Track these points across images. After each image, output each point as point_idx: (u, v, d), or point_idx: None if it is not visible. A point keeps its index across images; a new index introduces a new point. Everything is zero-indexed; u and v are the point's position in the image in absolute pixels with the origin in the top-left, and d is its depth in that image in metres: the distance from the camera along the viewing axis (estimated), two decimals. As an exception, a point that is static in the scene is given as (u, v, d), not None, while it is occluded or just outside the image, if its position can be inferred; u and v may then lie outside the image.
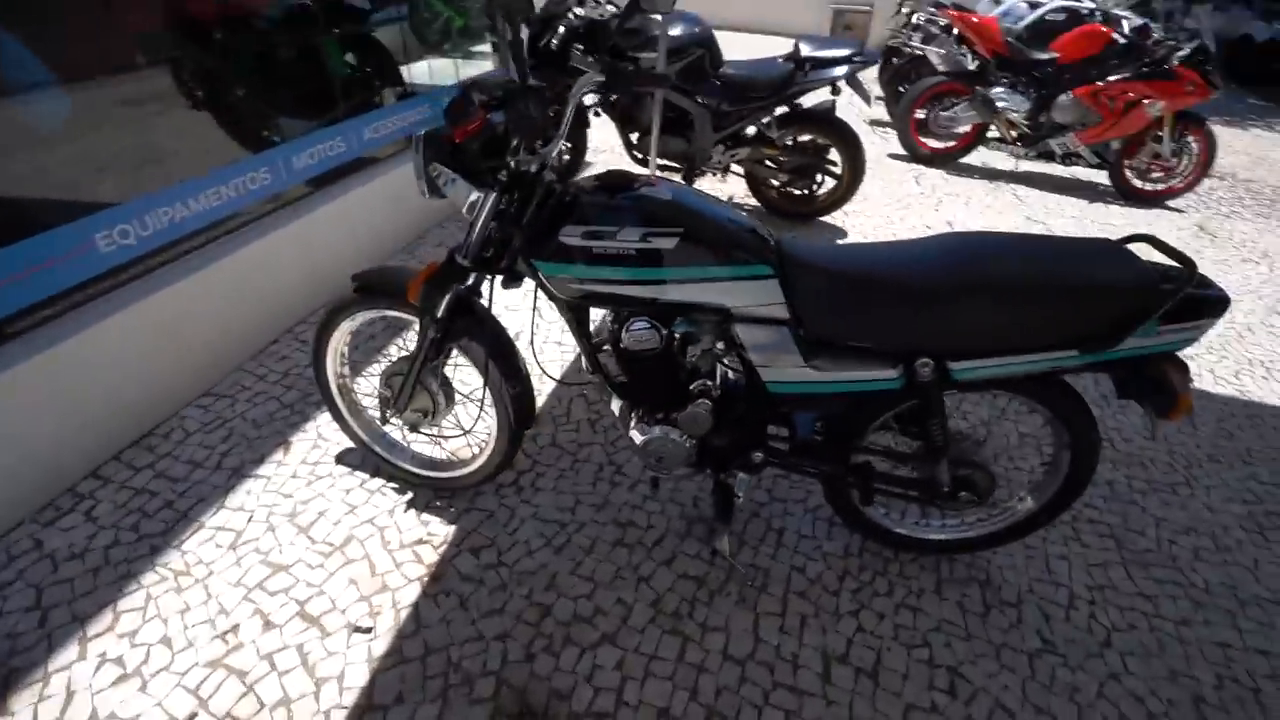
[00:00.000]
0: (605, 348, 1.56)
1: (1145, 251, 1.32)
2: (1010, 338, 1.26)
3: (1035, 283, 1.21)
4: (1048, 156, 4.88)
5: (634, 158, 3.76)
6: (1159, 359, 1.25)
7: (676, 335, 1.40)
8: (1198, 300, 1.19)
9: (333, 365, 1.74)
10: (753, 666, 1.50)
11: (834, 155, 3.57)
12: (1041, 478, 1.63)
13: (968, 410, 2.27)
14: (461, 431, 1.79)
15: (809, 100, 3.47)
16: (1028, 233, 1.38)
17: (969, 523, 1.75)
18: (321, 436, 2.02)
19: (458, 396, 1.77)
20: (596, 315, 1.67)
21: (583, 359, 1.62)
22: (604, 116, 4.05)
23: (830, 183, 3.72)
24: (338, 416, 1.83)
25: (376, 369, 2.29)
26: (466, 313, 1.52)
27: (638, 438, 1.52)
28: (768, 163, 3.64)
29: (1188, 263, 1.18)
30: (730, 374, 1.60)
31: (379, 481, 1.89)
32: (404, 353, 1.75)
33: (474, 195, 1.28)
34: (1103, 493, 2.04)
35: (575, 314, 1.47)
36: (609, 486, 1.94)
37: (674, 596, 1.64)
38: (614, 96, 3.39)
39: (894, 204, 4.43)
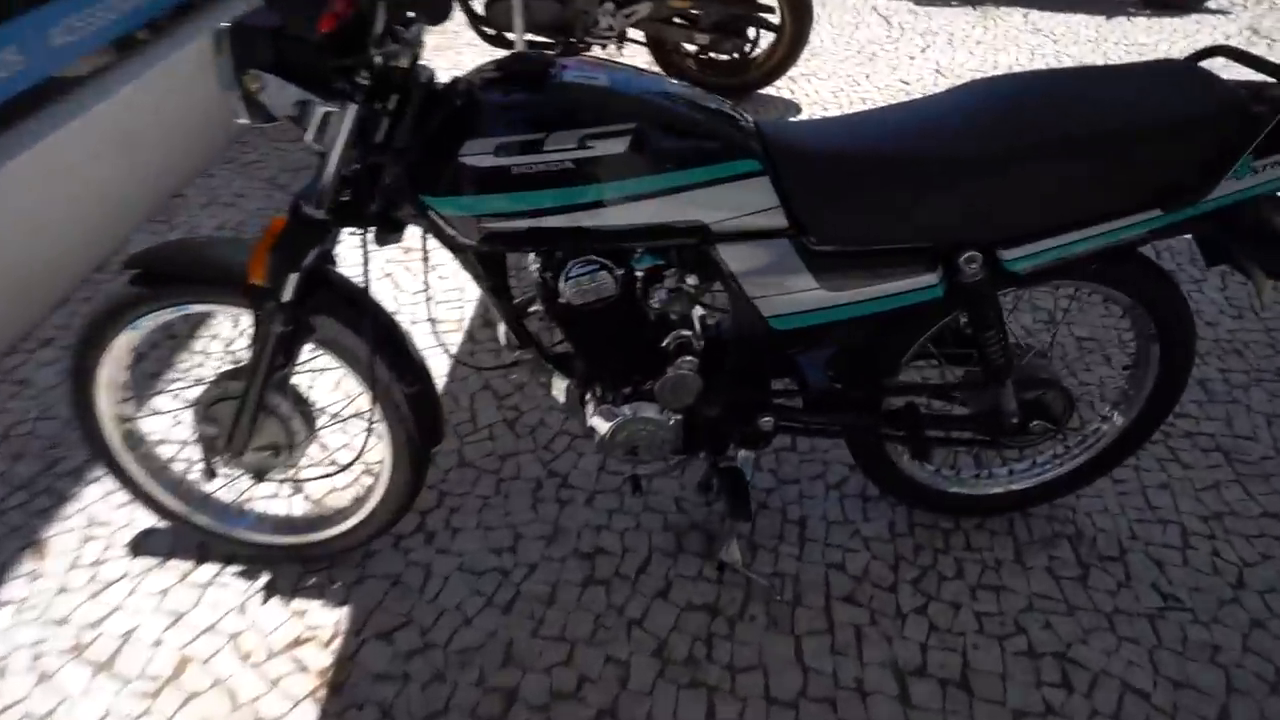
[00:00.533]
0: (534, 308, 1.56)
1: (1223, 68, 1.45)
2: (1074, 205, 1.33)
3: (1098, 128, 1.28)
4: None
5: (483, 34, 3.69)
6: (1259, 203, 1.39)
7: (638, 274, 1.42)
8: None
9: (108, 402, 1.62)
10: (809, 706, 1.58)
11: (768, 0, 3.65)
12: (1125, 385, 1.80)
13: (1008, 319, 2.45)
14: (334, 468, 1.74)
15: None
16: (1068, 67, 1.48)
17: (1042, 462, 1.89)
18: (94, 520, 1.89)
19: (319, 416, 1.71)
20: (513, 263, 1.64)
21: (500, 329, 1.61)
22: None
23: (767, 39, 3.82)
24: (126, 481, 1.71)
25: (172, 400, 2.17)
26: (320, 288, 1.47)
27: (601, 425, 1.52)
28: (677, 20, 3.68)
29: (1277, 72, 1.31)
30: (711, 317, 1.65)
31: (213, 567, 1.80)
32: (228, 365, 1.66)
33: (322, 110, 1.22)
34: (1195, 396, 2.27)
35: (486, 265, 1.44)
36: (555, 507, 1.95)
37: (682, 637, 1.67)
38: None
39: (854, 56, 4.58)
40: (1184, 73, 1.37)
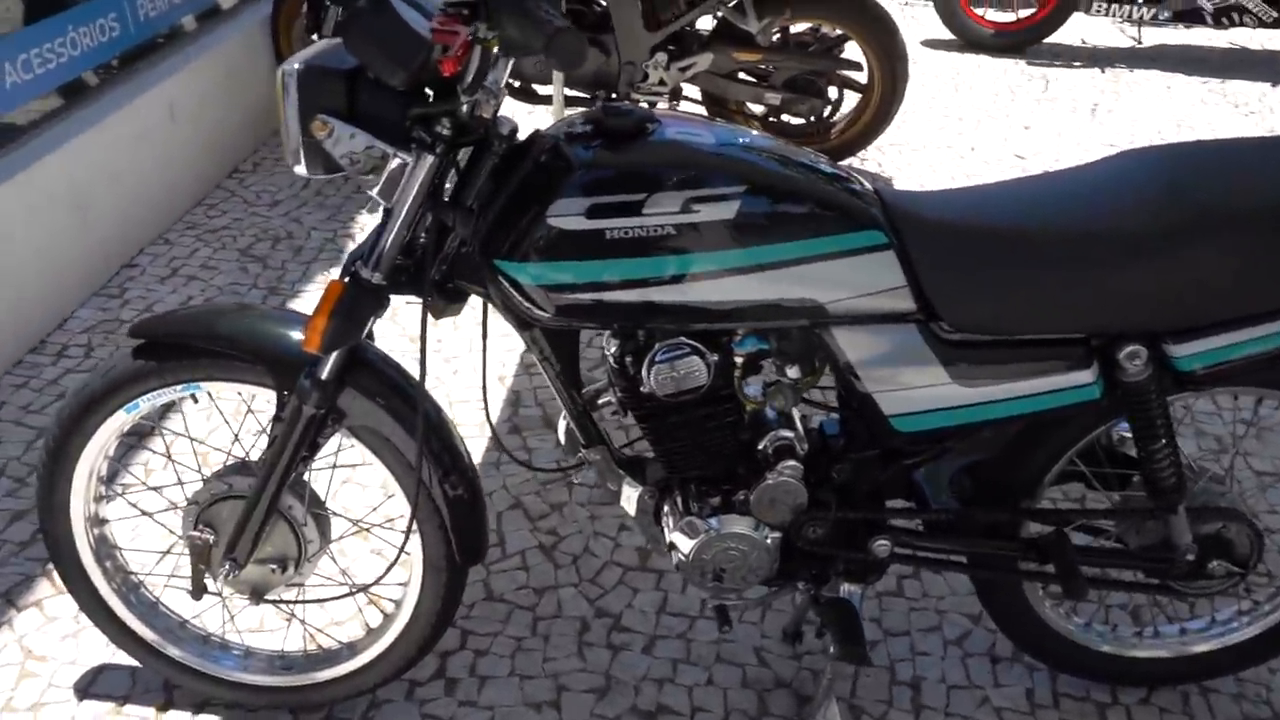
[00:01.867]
0: (605, 399, 1.72)
1: None
2: (1255, 292, 1.48)
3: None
4: (1187, 17, 5.62)
5: (508, 87, 4.02)
6: None
7: (738, 362, 1.59)
8: None
9: (84, 501, 1.77)
10: None
11: (852, 52, 3.97)
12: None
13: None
14: (352, 587, 1.86)
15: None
16: (1236, 137, 1.67)
17: (1224, 620, 1.98)
18: (31, 653, 2.01)
19: (335, 523, 1.85)
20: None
21: (561, 424, 1.77)
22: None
23: (851, 100, 4.12)
24: (87, 600, 1.83)
25: (148, 500, 2.32)
26: (361, 373, 1.64)
27: (683, 541, 1.65)
28: (743, 75, 4.01)
29: None
30: (817, 417, 1.80)
31: (181, 715, 1.90)
32: (230, 458, 1.80)
33: (396, 162, 1.42)
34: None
35: (556, 345, 1.62)
36: (607, 654, 2.05)
37: (769, 825, 1.77)
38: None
39: (954, 123, 4.92)
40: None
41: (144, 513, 2.04)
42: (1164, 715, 1.98)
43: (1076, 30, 6.19)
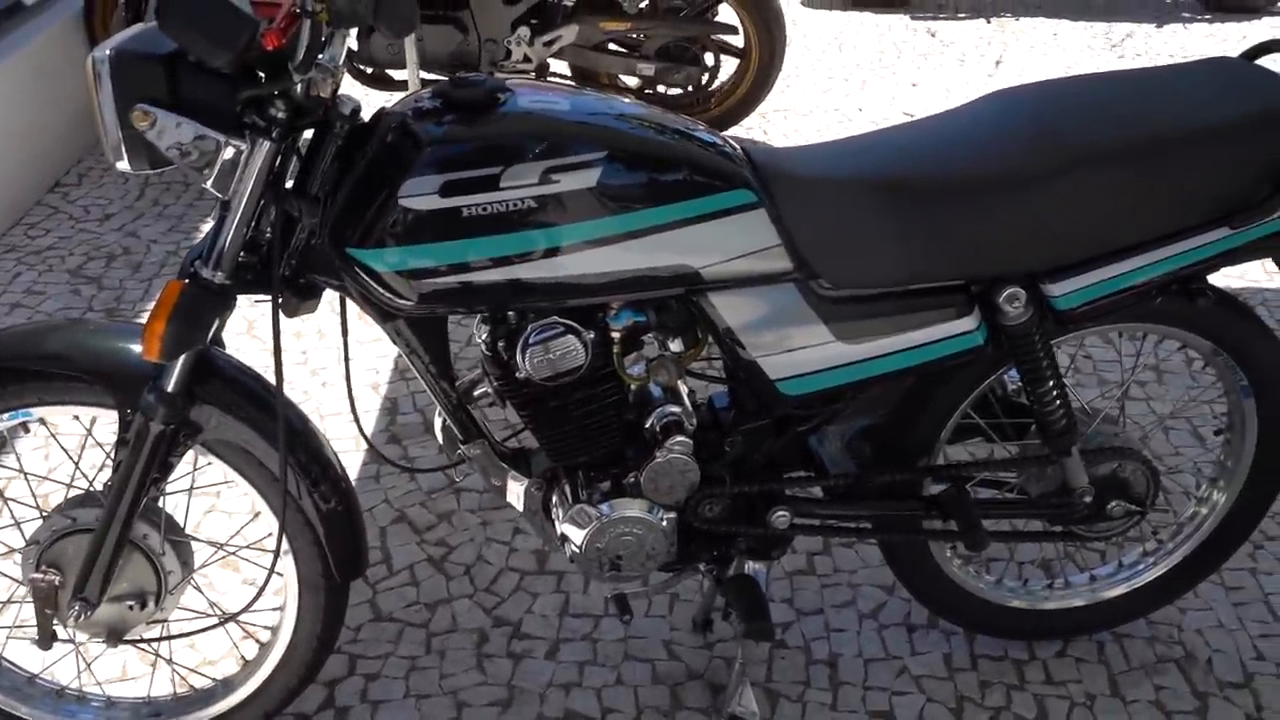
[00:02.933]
0: (480, 389, 1.76)
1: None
2: (1127, 225, 1.59)
3: (1146, 134, 1.56)
4: None
5: (358, 73, 4.02)
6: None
7: (614, 336, 1.65)
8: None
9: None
10: None
11: (727, 15, 4.09)
12: (1221, 456, 2.07)
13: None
14: (219, 616, 1.87)
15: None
16: (1105, 72, 1.80)
17: (1130, 564, 2.13)
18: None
19: (198, 550, 1.85)
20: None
21: (437, 421, 1.80)
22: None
23: (730, 66, 4.24)
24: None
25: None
26: (212, 380, 1.65)
27: (574, 532, 1.70)
28: (614, 47, 4.09)
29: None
30: (706, 392, 1.87)
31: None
32: (71, 491, 1.79)
33: (229, 150, 1.43)
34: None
35: (422, 336, 1.65)
36: (508, 664, 2.09)
37: (689, 820, 1.84)
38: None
39: (841, 84, 5.09)
40: (1239, 70, 1.70)
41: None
42: (1080, 665, 2.11)
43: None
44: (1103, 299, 1.66)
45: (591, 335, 1.60)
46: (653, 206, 1.52)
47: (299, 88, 1.41)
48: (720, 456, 1.76)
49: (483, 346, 1.66)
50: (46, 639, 1.74)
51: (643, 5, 3.97)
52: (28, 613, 1.79)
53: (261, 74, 1.43)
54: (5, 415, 1.66)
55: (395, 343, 1.66)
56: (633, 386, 1.70)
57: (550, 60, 3.98)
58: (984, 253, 1.62)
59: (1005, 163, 1.59)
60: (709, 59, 4.08)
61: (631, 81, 4.15)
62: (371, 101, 3.05)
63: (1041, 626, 2.12)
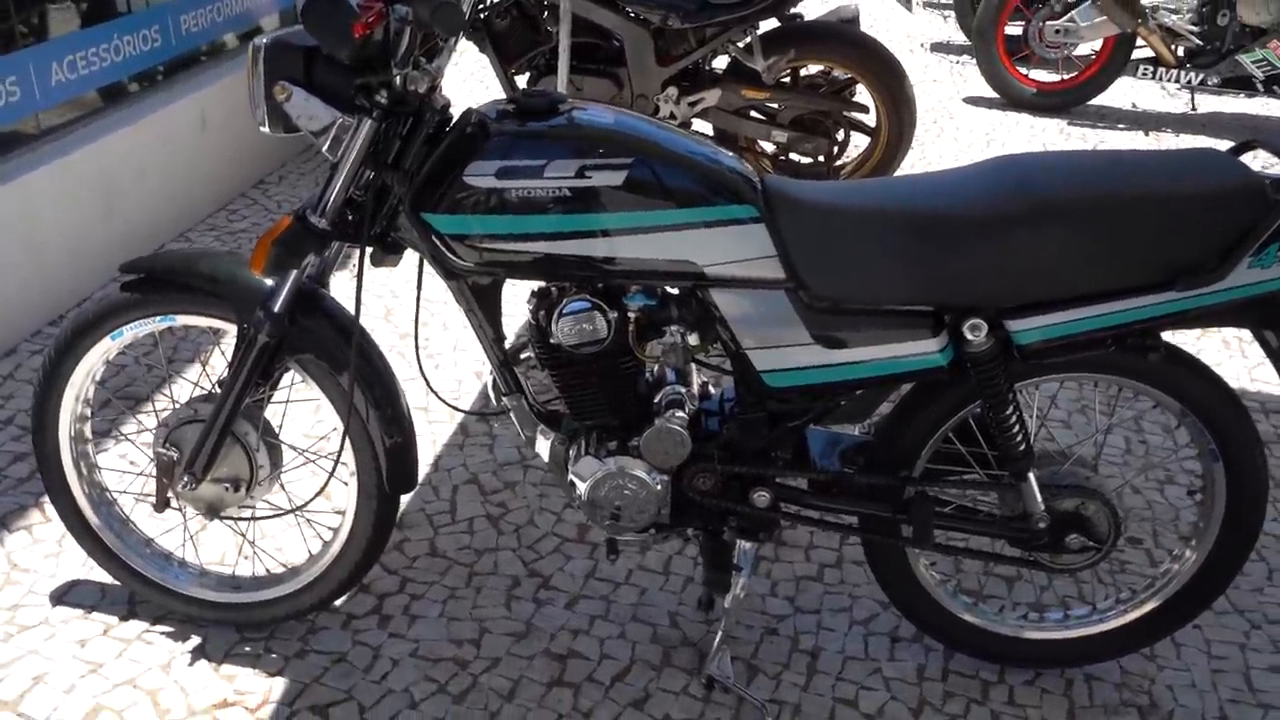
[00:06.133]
0: (525, 354, 2.10)
1: (1259, 162, 1.96)
2: (1082, 275, 1.80)
3: (1102, 198, 1.77)
4: (1238, 84, 5.91)
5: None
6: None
7: (631, 316, 1.96)
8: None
9: (70, 418, 2.18)
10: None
11: (863, 97, 4.38)
12: (1195, 516, 2.21)
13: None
14: (290, 506, 2.25)
15: (813, 7, 4.31)
16: (1099, 150, 2.02)
17: (1104, 608, 2.28)
18: (16, 565, 2.43)
19: (286, 454, 2.25)
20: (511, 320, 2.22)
21: (490, 374, 2.15)
22: (466, 46, 4.76)
23: (860, 141, 4.52)
24: (70, 512, 2.23)
25: (129, 428, 2.74)
26: (312, 312, 2.05)
27: (582, 480, 2.02)
28: (753, 113, 4.42)
29: (1309, 169, 1.83)
30: (710, 379, 2.16)
31: (140, 624, 2.29)
32: (198, 389, 2.22)
33: (341, 122, 1.83)
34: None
35: (481, 298, 1.99)
36: (531, 606, 2.41)
37: (652, 753, 2.09)
38: (486, 11, 4.13)
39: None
40: (1216, 158, 1.91)
41: (122, 436, 2.45)
42: (1044, 695, 2.26)
43: (1127, 94, 6.54)
44: (1059, 340, 1.88)
45: (614, 315, 1.92)
46: (668, 208, 1.84)
47: (398, 81, 1.81)
48: (715, 437, 2.05)
49: (529, 313, 2.00)
50: (161, 504, 2.15)
51: (783, 79, 4.30)
52: (151, 487, 2.20)
53: (372, 68, 1.83)
54: (156, 318, 2.09)
55: (458, 301, 2.02)
56: (648, 364, 2.01)
57: (694, 120, 4.35)
58: (950, 285, 1.87)
59: (977, 210, 1.84)
60: (840, 134, 4.37)
61: (768, 147, 4.47)
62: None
63: (1011, 653, 2.28)
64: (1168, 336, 1.98)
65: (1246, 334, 2.06)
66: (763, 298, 1.91)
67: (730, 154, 1.97)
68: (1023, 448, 1.99)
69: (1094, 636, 2.26)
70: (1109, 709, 2.24)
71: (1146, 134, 5.93)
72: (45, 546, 2.51)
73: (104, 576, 2.36)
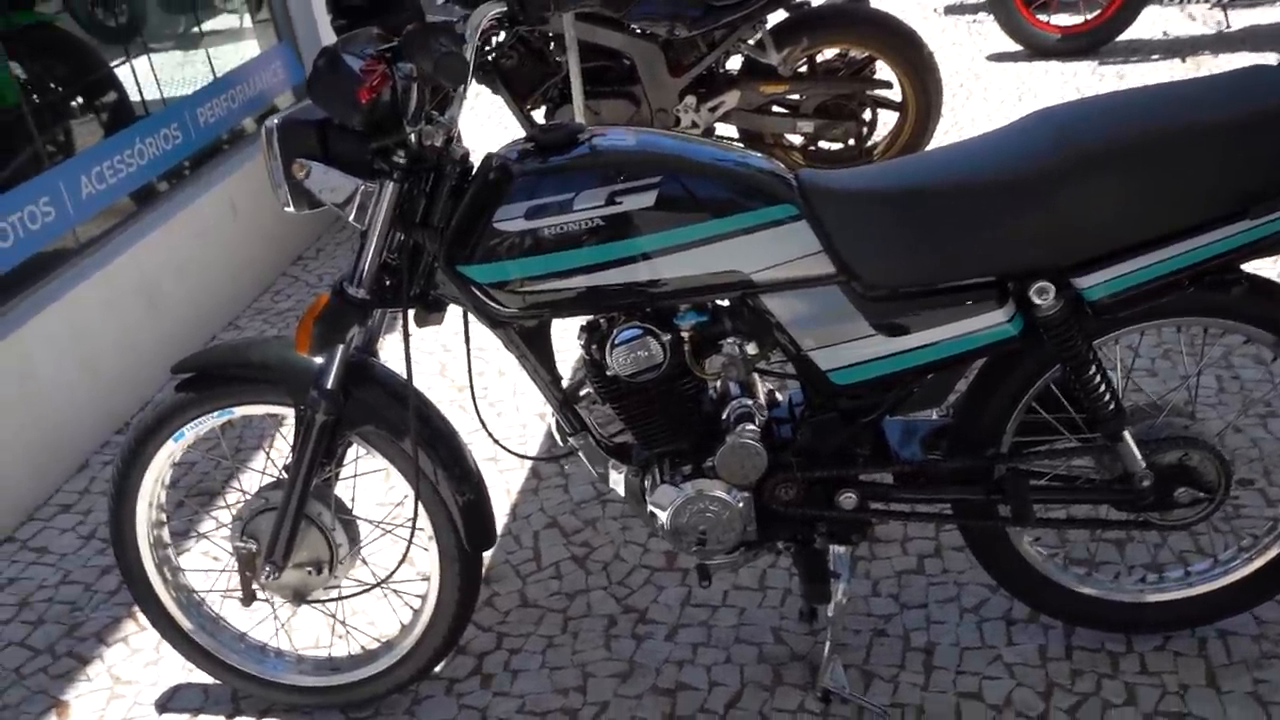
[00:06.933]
0: (584, 391, 2.07)
1: None
2: (1146, 219, 1.73)
3: (1153, 136, 1.70)
4: None
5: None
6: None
7: (685, 336, 1.91)
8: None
9: (146, 526, 2.18)
10: None
11: (884, 73, 4.30)
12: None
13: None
14: (375, 581, 2.23)
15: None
16: (1141, 86, 1.94)
17: (1226, 560, 2.19)
18: (119, 679, 2.43)
19: (363, 527, 2.23)
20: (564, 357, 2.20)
21: (552, 418, 2.12)
22: (479, 90, 4.76)
23: (888, 118, 4.43)
24: (161, 618, 2.24)
25: (205, 525, 2.75)
26: (364, 382, 2.03)
27: (662, 510, 1.97)
28: (775, 108, 4.37)
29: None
30: (775, 386, 2.11)
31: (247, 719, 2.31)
32: (266, 477, 2.22)
33: (363, 189, 1.81)
34: None
35: (530, 341, 1.97)
36: (631, 644, 2.36)
37: (778, 777, 2.03)
38: (493, 51, 4.13)
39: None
40: (1262, 74, 1.82)
41: (200, 534, 2.46)
42: (1178, 659, 2.17)
43: (1156, 23, 6.38)
44: (1131, 290, 1.80)
45: (667, 337, 1.88)
46: (706, 220, 1.80)
47: (413, 138, 1.79)
48: (790, 444, 1.99)
49: (581, 349, 1.97)
50: (248, 597, 2.14)
51: (800, 69, 4.24)
52: (236, 581, 2.20)
53: (385, 130, 1.81)
54: (215, 413, 2.09)
55: (508, 349, 1.99)
56: (709, 382, 1.96)
57: (717, 124, 4.30)
58: (1010, 250, 1.80)
59: (1023, 169, 1.77)
60: (867, 114, 4.30)
61: (795, 140, 4.42)
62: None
63: (1134, 619, 2.20)
64: (1247, 267, 1.89)
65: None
66: (816, 295, 1.86)
67: (759, 155, 1.92)
68: (1112, 406, 1.90)
69: (1221, 590, 2.16)
70: (1250, 663, 2.14)
71: (1184, 61, 5.78)
72: (144, 655, 2.51)
73: (205, 678, 2.36)
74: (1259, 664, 2.14)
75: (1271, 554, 2.12)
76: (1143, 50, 6.04)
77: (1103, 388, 1.89)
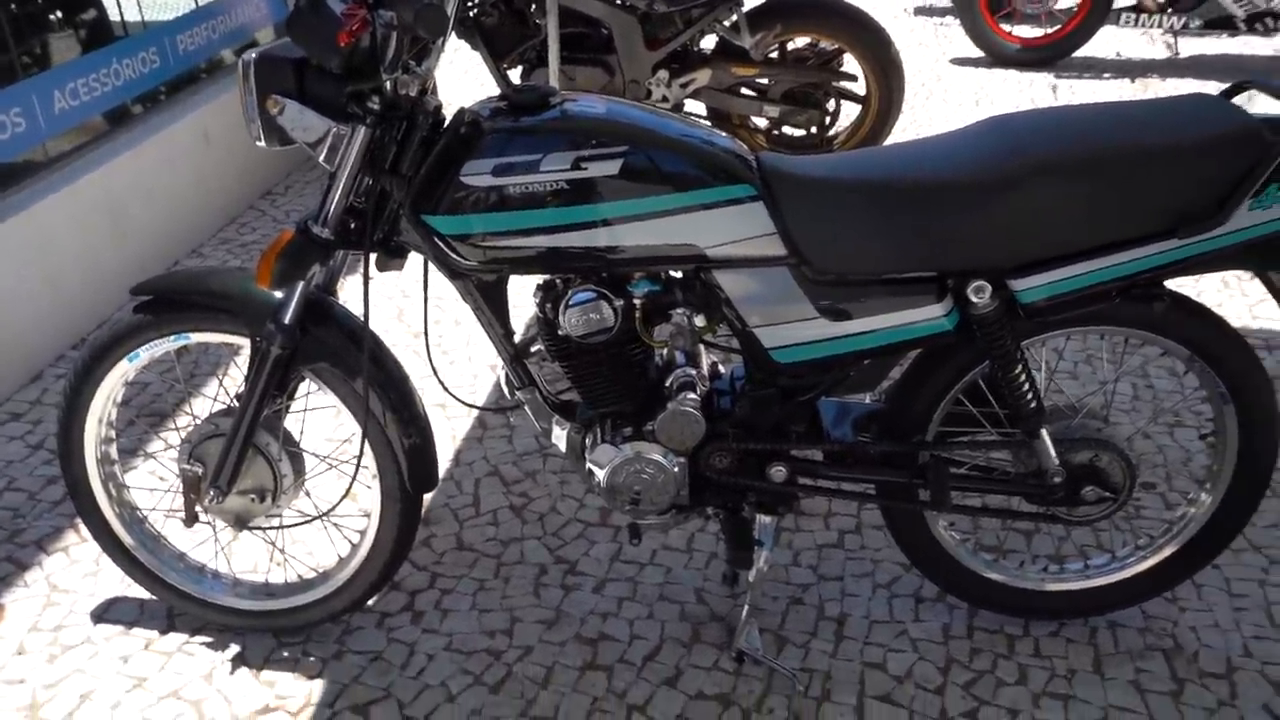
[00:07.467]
0: (535, 347, 2.06)
1: (1255, 104, 1.90)
2: (1081, 230, 1.76)
3: (1096, 153, 1.72)
4: (1220, 24, 5.81)
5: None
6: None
7: (637, 303, 1.91)
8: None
9: (95, 441, 2.15)
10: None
11: (851, 66, 4.31)
12: (1207, 459, 2.17)
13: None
14: (316, 514, 2.22)
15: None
16: (1091, 103, 1.96)
17: (1123, 556, 2.24)
18: (56, 587, 2.41)
19: (308, 460, 2.22)
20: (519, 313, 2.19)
21: (502, 370, 2.11)
22: (458, 44, 4.71)
23: (851, 110, 4.45)
24: (103, 532, 2.21)
25: (153, 446, 2.72)
26: (322, 320, 2.01)
27: (600, 468, 1.98)
28: (744, 90, 4.36)
29: (1303, 106, 1.77)
30: (719, 359, 2.12)
31: (179, 637, 2.27)
32: (217, 404, 2.20)
33: (335, 131, 1.79)
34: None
35: (487, 295, 1.96)
36: (559, 593, 2.38)
37: (688, 729, 2.07)
38: (475, 7, 4.08)
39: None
40: (1210, 103, 1.85)
41: (148, 454, 2.43)
42: (1070, 643, 2.23)
43: (1111, 43, 6.45)
44: (1063, 296, 1.83)
45: (620, 302, 1.88)
46: (667, 193, 1.80)
47: (387, 85, 1.76)
48: (729, 415, 2.01)
49: (536, 307, 1.96)
50: (190, 518, 2.12)
51: (772, 54, 4.24)
52: (179, 503, 2.17)
53: (362, 75, 1.78)
54: (171, 337, 2.06)
55: (465, 299, 1.98)
56: (657, 349, 1.97)
57: (686, 100, 4.29)
58: (953, 248, 1.82)
59: (978, 172, 1.79)
60: (831, 104, 4.31)
61: (760, 122, 4.42)
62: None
63: (1033, 606, 2.25)
64: (1170, 283, 1.93)
65: (1245, 272, 2.02)
66: (766, 275, 1.87)
67: (724, 134, 1.92)
68: (1034, 405, 1.94)
69: (1115, 584, 2.22)
70: (1134, 654, 2.21)
71: (1133, 81, 5.85)
72: (83, 566, 2.49)
73: (142, 592, 2.35)
74: (1142, 655, 2.20)
75: (1165, 553, 2.19)
76: (1096, 68, 6.10)
77: (1027, 386, 1.93)
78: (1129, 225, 1.80)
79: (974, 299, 1.84)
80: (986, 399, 2.05)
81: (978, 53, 6.24)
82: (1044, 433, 1.97)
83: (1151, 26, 5.94)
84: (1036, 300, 1.84)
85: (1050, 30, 6.12)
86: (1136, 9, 5.88)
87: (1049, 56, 6.12)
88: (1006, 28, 6.15)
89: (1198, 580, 2.35)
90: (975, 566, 2.21)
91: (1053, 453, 1.98)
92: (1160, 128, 1.79)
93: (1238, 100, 1.88)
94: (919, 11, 7.37)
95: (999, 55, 6.16)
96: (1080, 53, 6.16)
